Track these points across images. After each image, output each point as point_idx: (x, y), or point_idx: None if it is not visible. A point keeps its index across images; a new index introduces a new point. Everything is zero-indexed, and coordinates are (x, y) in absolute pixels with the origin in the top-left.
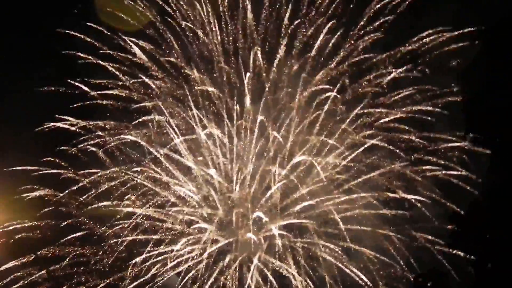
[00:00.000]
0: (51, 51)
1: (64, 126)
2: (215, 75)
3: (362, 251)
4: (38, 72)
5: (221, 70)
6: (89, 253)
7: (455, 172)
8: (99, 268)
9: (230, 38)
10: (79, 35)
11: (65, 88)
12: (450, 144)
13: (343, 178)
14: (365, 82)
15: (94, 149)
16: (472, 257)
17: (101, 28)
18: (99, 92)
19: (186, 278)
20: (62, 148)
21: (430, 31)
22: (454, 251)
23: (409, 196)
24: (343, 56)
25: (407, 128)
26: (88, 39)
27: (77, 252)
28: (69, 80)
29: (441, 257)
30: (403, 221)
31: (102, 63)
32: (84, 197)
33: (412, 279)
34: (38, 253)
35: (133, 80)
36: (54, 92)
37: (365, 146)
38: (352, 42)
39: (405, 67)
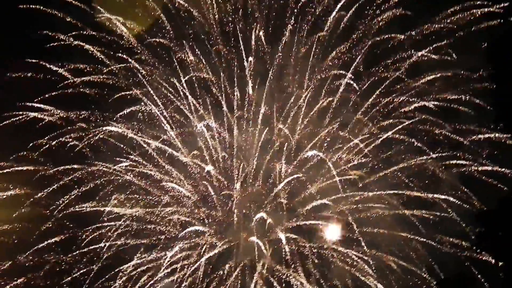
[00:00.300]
0: (23, 31)
1: (41, 116)
2: (213, 62)
3: (378, 256)
4: (8, 56)
5: (220, 53)
6: (71, 260)
7: (485, 168)
8: (84, 277)
9: (229, 18)
10: (56, 12)
11: (43, 74)
12: (479, 136)
13: (358, 175)
14: (382, 68)
15: (76, 142)
16: (501, 263)
17: (81, 5)
18: (80, 79)
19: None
20: (38, 141)
21: (457, 7)
22: (483, 257)
23: (431, 195)
24: (358, 37)
25: (429, 118)
26: (68, 18)
27: (59, 259)
28: (45, 65)
29: (468, 262)
30: (425, 222)
31: (85, 45)
32: (65, 197)
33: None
34: (16, 259)
35: (120, 65)
36: (28, 78)
37: (382, 138)
38: (368, 20)
39: (427, 49)
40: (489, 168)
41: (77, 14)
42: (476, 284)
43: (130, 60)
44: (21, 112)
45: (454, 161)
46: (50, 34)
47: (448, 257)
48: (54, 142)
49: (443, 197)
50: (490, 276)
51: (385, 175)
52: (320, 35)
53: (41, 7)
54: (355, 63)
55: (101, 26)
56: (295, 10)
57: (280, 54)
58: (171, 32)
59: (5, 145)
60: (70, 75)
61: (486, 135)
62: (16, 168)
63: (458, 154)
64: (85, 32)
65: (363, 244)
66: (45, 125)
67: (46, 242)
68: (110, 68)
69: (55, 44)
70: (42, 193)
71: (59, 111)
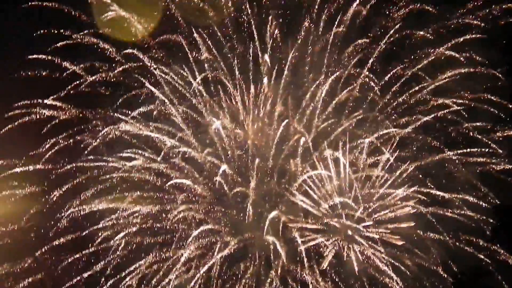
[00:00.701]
0: (36, 29)
1: (55, 114)
2: (228, 61)
3: (394, 254)
4: (21, 53)
5: (234, 50)
6: (86, 257)
7: (503, 166)
8: (100, 275)
9: (244, 13)
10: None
11: (57, 72)
12: (497, 134)
13: (374, 173)
14: (399, 65)
15: (90, 140)
16: None
17: (93, 1)
18: (94, 77)
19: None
20: (52, 139)
21: (475, 4)
22: (501, 257)
23: (448, 193)
24: (375, 33)
25: (447, 116)
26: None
27: (74, 257)
28: (59, 63)
29: (485, 259)
30: (442, 220)
31: (99, 42)
32: (80, 195)
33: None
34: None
35: (133, 64)
36: (41, 76)
37: (399, 135)
38: (386, 15)
39: (445, 46)
40: (507, 166)
41: (90, 12)
42: (493, 281)
43: (143, 57)
44: (34, 110)
45: (471, 159)
46: (63, 32)
47: (465, 254)
48: (71, 140)
49: (460, 196)
50: (507, 273)
51: (402, 173)
52: (337, 31)
53: (55, 5)
54: (372, 59)
55: (114, 24)
56: (312, 6)
57: (296, 51)
58: (185, 29)
59: (19, 143)
60: (84, 73)
61: (505, 133)
62: (31, 166)
63: (475, 152)
64: (100, 31)
65: (378, 242)
66: (59, 123)
67: (62, 239)
68: (123, 67)
69: (68, 42)
70: (57, 191)
71: (74, 109)
